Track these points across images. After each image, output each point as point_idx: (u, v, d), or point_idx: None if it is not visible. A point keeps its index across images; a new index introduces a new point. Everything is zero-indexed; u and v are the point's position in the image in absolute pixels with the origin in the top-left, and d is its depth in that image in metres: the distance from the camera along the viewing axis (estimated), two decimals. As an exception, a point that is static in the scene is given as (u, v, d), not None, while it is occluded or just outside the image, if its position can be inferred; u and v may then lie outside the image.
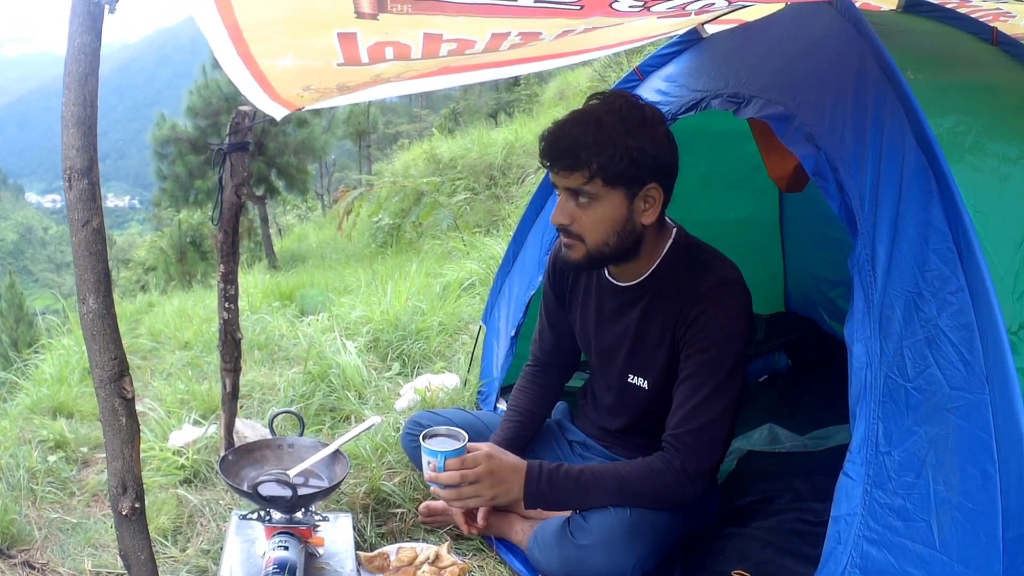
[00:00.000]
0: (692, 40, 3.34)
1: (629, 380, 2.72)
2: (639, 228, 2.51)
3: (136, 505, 1.87)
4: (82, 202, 1.61)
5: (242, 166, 2.91)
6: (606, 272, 2.73)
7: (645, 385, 2.68)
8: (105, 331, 1.70)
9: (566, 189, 2.44)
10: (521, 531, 2.75)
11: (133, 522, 1.89)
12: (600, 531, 2.43)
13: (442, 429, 2.56)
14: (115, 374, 1.74)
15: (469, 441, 2.59)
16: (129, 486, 1.85)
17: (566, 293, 2.94)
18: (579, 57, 3.82)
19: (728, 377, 2.46)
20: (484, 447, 2.50)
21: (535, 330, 3.16)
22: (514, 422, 2.99)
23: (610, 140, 2.35)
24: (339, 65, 2.48)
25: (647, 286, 2.62)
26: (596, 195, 2.41)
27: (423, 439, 2.49)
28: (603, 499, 2.48)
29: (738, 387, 2.50)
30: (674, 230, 2.63)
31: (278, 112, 2.86)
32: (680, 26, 3.19)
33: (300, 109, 2.97)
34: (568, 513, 2.55)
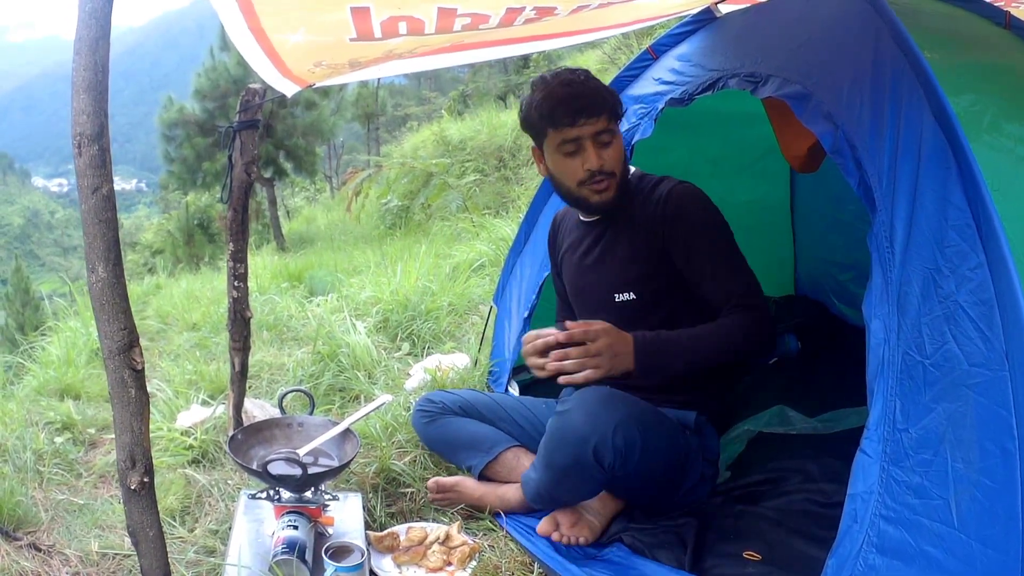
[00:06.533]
0: (705, 20, 3.32)
1: (616, 300, 2.88)
2: None
3: (145, 479, 1.86)
4: (92, 168, 1.59)
5: (252, 144, 2.90)
6: (581, 218, 3.05)
7: (633, 296, 2.86)
8: (115, 300, 1.69)
9: (593, 136, 2.71)
10: (521, 491, 2.83)
11: (142, 497, 1.88)
12: (579, 396, 2.59)
13: (336, 543, 2.44)
14: (124, 345, 1.73)
15: (484, 420, 2.85)
16: (138, 460, 1.84)
17: (560, 262, 3.23)
18: (591, 36, 3.80)
19: (732, 239, 2.80)
20: (597, 324, 2.51)
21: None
22: None
23: (606, 86, 2.82)
24: (351, 40, 2.46)
25: (616, 211, 2.89)
26: (613, 132, 2.77)
27: (327, 555, 2.37)
28: (706, 355, 2.65)
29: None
30: None
31: (289, 88, 2.84)
32: (694, 4, 3.17)
33: (311, 86, 2.95)
34: None
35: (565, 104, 2.70)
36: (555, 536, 2.63)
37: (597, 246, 2.96)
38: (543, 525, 2.67)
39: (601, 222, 2.95)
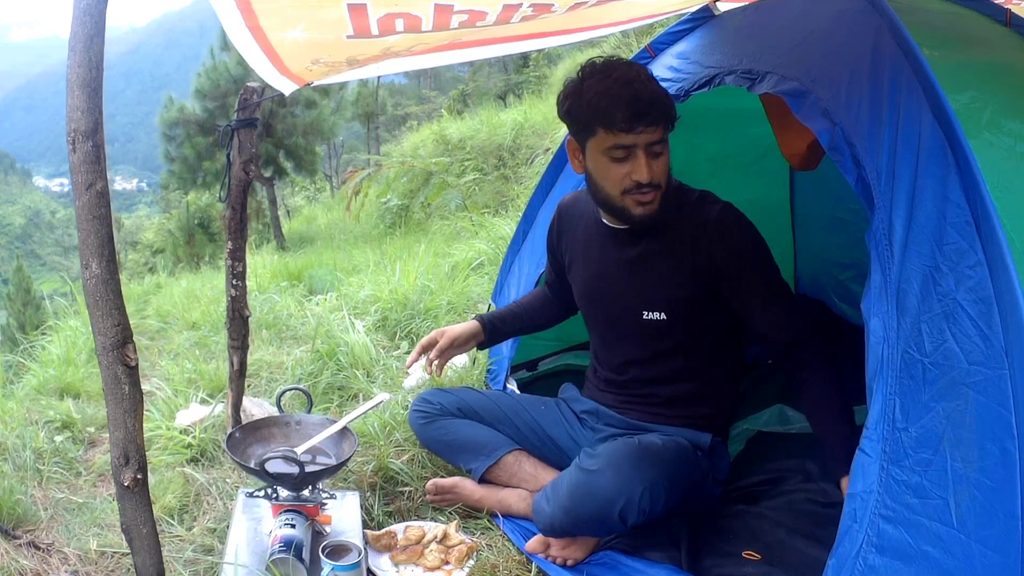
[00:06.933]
0: (704, 17, 3.31)
1: (645, 317, 2.74)
2: None
3: (138, 476, 1.85)
4: (86, 165, 1.58)
5: (250, 143, 2.90)
6: (604, 222, 2.82)
7: (664, 316, 2.72)
8: (108, 296, 1.68)
9: (647, 145, 2.50)
10: (523, 500, 2.83)
11: (135, 494, 1.88)
12: (608, 455, 2.53)
13: (333, 542, 2.46)
14: (118, 341, 1.73)
15: (482, 422, 2.90)
16: (131, 457, 1.83)
17: (568, 260, 3.05)
18: (589, 34, 3.79)
19: (777, 268, 2.68)
20: None
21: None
22: (512, 305, 3.37)
23: (665, 91, 2.55)
24: (349, 38, 2.45)
25: (654, 223, 2.68)
26: (665, 142, 2.55)
27: (324, 553, 2.38)
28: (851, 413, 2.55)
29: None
30: None
31: (287, 87, 2.84)
32: (692, 2, 3.16)
33: (309, 84, 2.94)
34: None
35: (625, 107, 2.44)
36: (542, 556, 2.61)
37: (626, 257, 2.78)
38: (533, 544, 2.65)
39: (632, 231, 2.75)
